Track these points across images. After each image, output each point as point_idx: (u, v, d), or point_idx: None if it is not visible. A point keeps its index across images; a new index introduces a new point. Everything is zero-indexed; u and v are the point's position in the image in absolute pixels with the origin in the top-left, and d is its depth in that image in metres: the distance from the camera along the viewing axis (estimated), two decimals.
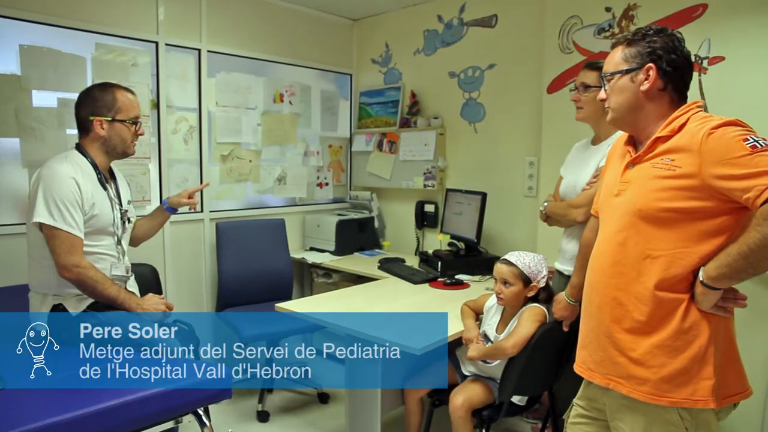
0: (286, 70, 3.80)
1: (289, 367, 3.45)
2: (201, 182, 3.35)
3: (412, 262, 3.41)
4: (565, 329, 2.00)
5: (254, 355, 3.60)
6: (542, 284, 2.10)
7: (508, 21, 3.35)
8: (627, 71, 1.43)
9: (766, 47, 2.30)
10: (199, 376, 1.61)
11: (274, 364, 3.28)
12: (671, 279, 1.34)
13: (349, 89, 4.25)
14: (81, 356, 1.84)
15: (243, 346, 3.29)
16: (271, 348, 3.23)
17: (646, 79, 1.41)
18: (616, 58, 1.46)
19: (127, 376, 1.67)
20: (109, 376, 1.68)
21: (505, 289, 2.10)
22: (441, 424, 2.37)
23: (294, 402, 3.20)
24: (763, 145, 1.22)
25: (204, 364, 1.71)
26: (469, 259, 3.16)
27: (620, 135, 1.61)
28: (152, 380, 1.60)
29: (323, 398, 3.19)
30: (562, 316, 1.96)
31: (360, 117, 4.20)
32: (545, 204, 2.28)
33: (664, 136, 1.38)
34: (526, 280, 2.08)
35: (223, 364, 1.74)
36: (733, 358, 1.41)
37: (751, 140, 1.23)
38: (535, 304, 2.09)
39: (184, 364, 1.74)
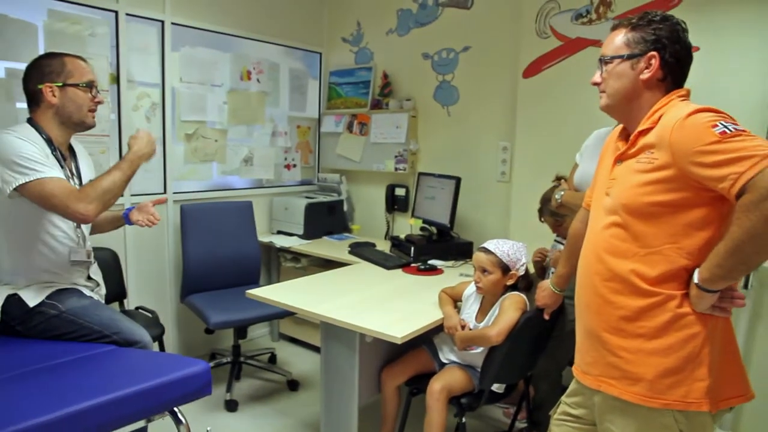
0: (253, 47, 3.64)
1: (256, 354, 3.38)
2: (165, 162, 3.20)
3: (383, 246, 3.36)
4: (546, 317, 1.99)
5: (221, 343, 3.52)
6: (521, 272, 2.09)
7: (485, 3, 3.29)
8: (628, 57, 1.38)
9: (741, 37, 2.33)
10: (178, 372, 1.49)
11: (241, 351, 3.21)
12: (660, 276, 1.30)
13: (319, 68, 4.12)
14: (42, 353, 1.71)
15: (210, 333, 3.21)
16: (239, 335, 3.16)
17: (647, 68, 1.36)
18: (617, 42, 1.40)
19: (97, 374, 1.54)
20: (77, 375, 1.54)
21: (483, 278, 2.08)
22: (419, 413, 2.35)
23: (262, 390, 3.13)
24: (733, 130, 1.17)
25: (183, 360, 1.60)
26: (441, 244, 3.13)
27: (615, 128, 1.59)
28: (127, 378, 1.48)
29: (293, 385, 3.13)
30: (545, 305, 1.95)
31: (329, 97, 4.08)
32: (561, 193, 2.16)
33: (645, 129, 1.35)
34: (505, 269, 2.07)
35: (201, 359, 1.62)
36: (732, 359, 1.36)
37: (721, 126, 1.18)
38: (515, 292, 2.08)
39: (162, 360, 1.64)
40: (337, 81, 4.03)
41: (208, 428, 1.80)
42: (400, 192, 3.72)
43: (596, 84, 1.48)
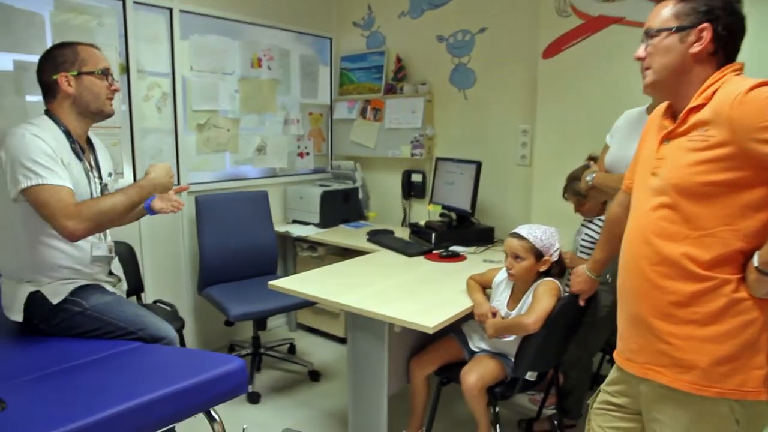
0: (263, 33, 3.56)
1: (275, 345, 3.34)
2: (177, 153, 3.14)
3: (401, 233, 3.30)
4: (581, 303, 1.95)
5: (240, 334, 3.48)
6: (555, 258, 2.03)
7: None
8: (677, 29, 1.30)
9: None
10: (214, 370, 1.43)
11: (261, 342, 3.17)
12: (714, 259, 1.24)
13: (329, 54, 4.03)
14: (68, 352, 1.65)
15: (230, 325, 3.17)
16: (259, 326, 3.13)
17: (697, 41, 1.28)
18: (665, 14, 1.32)
19: (127, 374, 1.48)
20: (106, 375, 1.49)
21: (516, 264, 2.02)
22: (447, 402, 2.32)
23: (283, 381, 3.09)
24: None
25: (216, 357, 1.54)
26: (462, 230, 3.07)
27: (659, 106, 1.52)
28: (161, 378, 1.41)
29: (314, 376, 3.09)
30: (580, 290, 1.90)
31: (341, 83, 4.01)
32: (593, 175, 2.10)
33: (698, 106, 1.27)
34: (538, 254, 2.01)
35: (235, 356, 1.56)
36: None
37: None
38: (549, 278, 2.02)
39: (194, 357, 1.58)
40: (349, 66, 3.95)
41: (245, 426, 1.75)
42: (416, 178, 3.65)
43: (640, 59, 1.39)
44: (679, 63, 1.32)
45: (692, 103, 1.29)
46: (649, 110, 2.07)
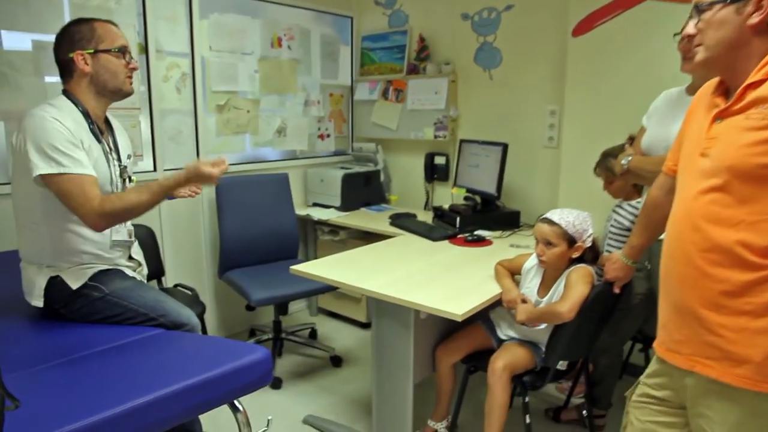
0: (283, 12, 3.48)
1: (296, 330, 3.31)
2: (197, 135, 3.09)
3: (424, 217, 3.23)
4: (617, 291, 1.87)
5: (261, 319, 3.46)
6: (588, 244, 1.94)
7: None
8: (732, 0, 1.20)
9: None
10: (240, 360, 1.38)
11: (282, 327, 3.14)
12: None
13: (350, 33, 3.94)
14: (88, 338, 1.62)
15: (251, 310, 3.14)
16: (280, 311, 3.09)
17: (756, 11, 1.17)
18: None
19: (150, 363, 1.44)
20: (129, 363, 1.45)
21: (547, 251, 1.94)
22: (474, 390, 2.26)
23: (305, 366, 3.06)
24: None
25: (240, 346, 1.48)
26: (487, 213, 2.99)
27: (707, 83, 1.41)
28: (185, 367, 1.36)
29: (336, 361, 3.06)
30: (615, 277, 1.82)
31: (362, 63, 3.91)
32: (628, 158, 2.01)
33: (757, 81, 1.17)
34: (571, 240, 1.92)
35: (260, 345, 1.50)
36: None
37: None
38: (582, 265, 1.94)
39: (218, 346, 1.52)
40: (370, 46, 3.85)
41: (269, 417, 1.71)
42: (439, 160, 3.57)
43: (690, 36, 1.30)
44: (736, 36, 1.21)
45: (751, 79, 1.19)
46: (690, 90, 1.97)
